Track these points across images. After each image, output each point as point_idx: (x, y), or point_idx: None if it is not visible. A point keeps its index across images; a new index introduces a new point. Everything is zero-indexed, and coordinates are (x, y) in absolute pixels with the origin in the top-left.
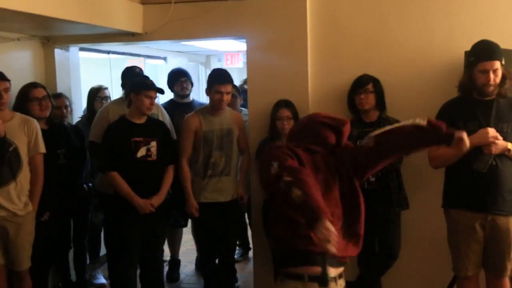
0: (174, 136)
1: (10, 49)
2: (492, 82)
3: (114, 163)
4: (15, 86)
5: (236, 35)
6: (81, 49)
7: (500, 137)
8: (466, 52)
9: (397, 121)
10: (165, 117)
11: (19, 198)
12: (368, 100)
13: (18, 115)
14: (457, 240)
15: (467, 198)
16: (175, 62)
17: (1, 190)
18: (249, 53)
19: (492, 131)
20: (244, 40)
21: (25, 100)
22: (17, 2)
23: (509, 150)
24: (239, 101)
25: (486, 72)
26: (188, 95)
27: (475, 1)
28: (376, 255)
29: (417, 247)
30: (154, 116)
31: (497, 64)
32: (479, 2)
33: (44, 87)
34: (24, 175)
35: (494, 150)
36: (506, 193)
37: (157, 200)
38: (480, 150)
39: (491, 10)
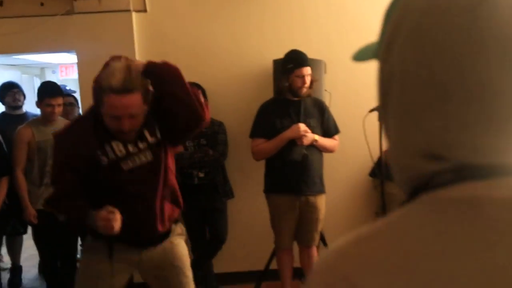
0: (5, 148)
1: None
2: (306, 85)
3: None
4: None
5: (66, 49)
6: None
7: (309, 131)
8: (274, 61)
9: (221, 123)
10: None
11: None
12: None
13: None
14: (277, 220)
15: (284, 184)
16: (7, 76)
17: None
18: (80, 65)
19: (302, 126)
20: (74, 54)
21: None
22: None
23: (316, 140)
24: (77, 109)
25: (302, 76)
26: (21, 106)
27: (283, 17)
28: (207, 241)
29: (243, 229)
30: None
31: (310, 70)
32: (286, 19)
33: None
34: None
35: (305, 141)
36: (316, 177)
37: None
38: (293, 142)
39: (295, 27)
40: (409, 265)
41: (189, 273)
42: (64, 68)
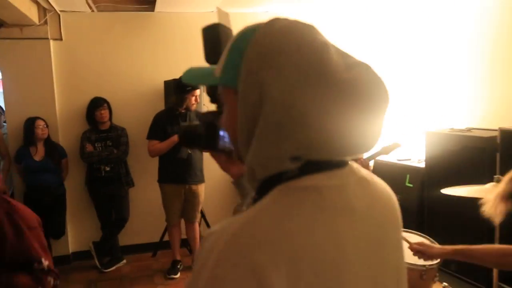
0: None
1: None
2: (198, 101)
3: None
4: None
5: None
6: None
7: None
8: (165, 81)
9: (123, 128)
10: None
11: None
12: (105, 114)
13: None
14: (168, 203)
15: (173, 175)
16: None
17: None
18: (4, 81)
19: None
20: None
21: None
22: None
23: None
24: (3, 118)
25: (195, 96)
26: None
27: (171, 47)
28: (113, 220)
29: (142, 210)
30: None
31: (199, 91)
32: (174, 49)
33: None
34: None
35: None
36: (197, 170)
37: None
38: (180, 144)
39: (180, 55)
40: (292, 239)
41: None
42: None
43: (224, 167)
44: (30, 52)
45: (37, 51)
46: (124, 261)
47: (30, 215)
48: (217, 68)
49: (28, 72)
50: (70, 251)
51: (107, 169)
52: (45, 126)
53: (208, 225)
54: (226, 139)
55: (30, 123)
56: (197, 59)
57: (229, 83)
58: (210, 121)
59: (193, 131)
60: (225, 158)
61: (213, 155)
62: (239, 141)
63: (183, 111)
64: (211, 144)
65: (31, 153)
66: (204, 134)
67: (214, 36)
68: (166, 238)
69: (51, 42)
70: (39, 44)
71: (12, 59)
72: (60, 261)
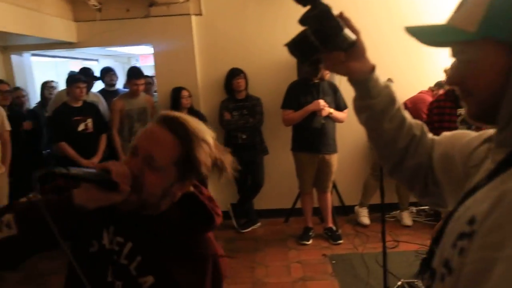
0: (107, 114)
1: None
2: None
3: (62, 137)
4: None
5: (145, 43)
6: (34, 54)
7: (326, 105)
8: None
9: (258, 98)
10: (104, 104)
11: None
12: (241, 83)
13: None
14: (301, 171)
15: (307, 145)
16: (105, 63)
17: None
18: (155, 55)
19: (322, 101)
20: (151, 46)
21: None
22: None
23: (331, 113)
24: (153, 88)
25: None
26: (115, 85)
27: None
28: (249, 185)
29: (275, 178)
30: (96, 103)
31: None
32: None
33: (7, 84)
34: None
35: (324, 113)
36: (330, 140)
37: (96, 159)
38: (314, 114)
39: None
40: None
41: None
42: (144, 57)
43: (345, 68)
44: (175, 27)
45: (180, 27)
46: (259, 223)
47: None
48: (466, 21)
49: (173, 46)
50: None
51: (244, 137)
52: (189, 96)
53: (339, 196)
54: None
55: (176, 93)
56: None
57: (499, 35)
58: (322, 8)
59: (303, 35)
60: (344, 55)
61: (330, 59)
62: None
63: (316, 81)
64: (334, 32)
65: None
66: (320, 27)
67: None
68: (298, 205)
69: (193, 17)
70: (182, 20)
71: (161, 35)
72: None
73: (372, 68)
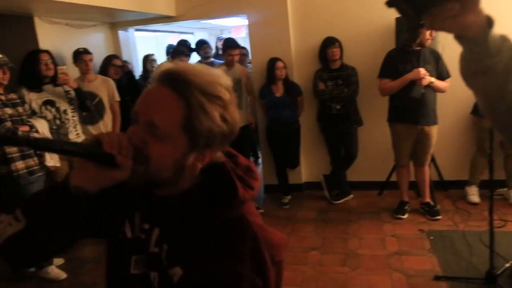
0: None
1: (89, 32)
2: (432, 36)
3: None
4: (97, 58)
5: (240, 14)
6: (136, 30)
7: (427, 74)
8: (396, 18)
9: (353, 68)
10: None
11: (106, 131)
12: (336, 52)
13: (99, 76)
14: (398, 143)
15: (405, 115)
16: (200, 35)
17: (94, 127)
18: (250, 26)
19: (422, 70)
20: (245, 17)
21: (107, 65)
22: (94, 0)
23: (432, 82)
24: (248, 58)
25: (428, 29)
26: (210, 57)
27: None
28: (342, 157)
29: (370, 149)
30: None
31: None
32: None
33: (120, 59)
34: (108, 116)
35: (424, 82)
36: (430, 111)
37: None
38: (414, 82)
39: None
40: None
41: None
42: (236, 29)
43: (458, 22)
44: None
45: None
46: (352, 195)
47: None
48: None
49: (267, 16)
50: (303, 180)
51: (338, 107)
52: (283, 67)
53: (438, 170)
54: None
55: (271, 64)
56: None
57: None
58: None
59: None
60: (458, 7)
61: (441, 13)
62: None
63: (416, 48)
64: None
65: (273, 90)
66: None
67: None
68: (392, 178)
69: None
70: None
71: (255, 6)
72: (294, 188)
73: (488, 20)
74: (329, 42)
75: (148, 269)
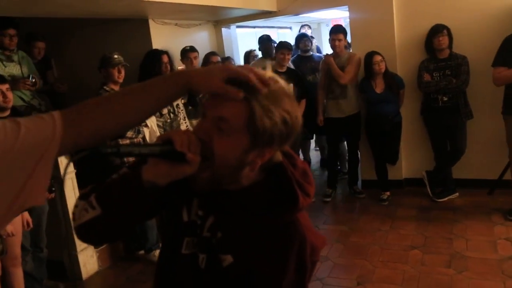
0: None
1: (195, 31)
2: None
3: None
4: (201, 55)
5: (342, 5)
6: (238, 27)
7: None
8: None
9: (464, 57)
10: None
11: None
12: (444, 41)
13: None
14: None
15: None
16: (297, 30)
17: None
18: (351, 16)
19: None
20: (346, 8)
21: (207, 63)
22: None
23: None
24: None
25: None
26: (309, 50)
27: None
28: (448, 152)
29: (480, 144)
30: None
31: None
32: None
33: (218, 55)
34: None
35: None
36: None
37: None
38: None
39: None
40: None
41: None
42: (335, 21)
43: None
44: None
45: None
46: (457, 194)
47: None
48: None
49: (370, 4)
50: (403, 176)
51: (445, 99)
52: (381, 60)
53: None
54: None
55: (368, 58)
56: None
57: None
58: None
59: None
60: None
61: None
62: None
63: None
64: None
65: (373, 86)
66: None
67: None
68: (506, 176)
69: None
70: None
71: None
72: (393, 184)
73: None
74: (437, 30)
75: (198, 251)
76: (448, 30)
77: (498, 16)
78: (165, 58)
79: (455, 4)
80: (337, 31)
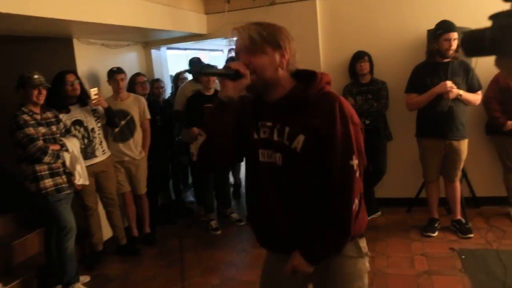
0: None
1: (123, 52)
2: (452, 47)
3: (194, 122)
4: (128, 76)
5: None
6: (168, 48)
7: (454, 87)
8: (428, 30)
9: (384, 82)
10: None
11: (136, 148)
12: (365, 67)
13: (132, 94)
14: (426, 158)
15: (433, 130)
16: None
17: (124, 144)
18: None
19: (449, 83)
20: None
21: (133, 84)
22: (126, 20)
23: (460, 95)
24: None
25: (449, 40)
26: None
27: None
28: (371, 173)
29: (399, 164)
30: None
31: (456, 35)
32: None
33: (144, 75)
34: (138, 134)
35: (451, 95)
36: (459, 125)
37: None
38: (441, 96)
39: (446, 1)
40: None
41: None
42: None
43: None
44: (300, 13)
45: (305, 12)
46: (379, 212)
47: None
48: None
49: (297, 32)
50: None
51: (367, 122)
52: None
53: (469, 185)
54: None
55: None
56: (465, 1)
57: None
58: (510, 21)
59: (480, 35)
60: None
61: (499, 62)
62: None
63: (445, 60)
64: (503, 48)
65: None
66: (499, 38)
67: None
68: (422, 194)
69: (317, 1)
70: (307, 5)
71: (285, 22)
72: None
73: None
74: (359, 56)
75: (274, 151)
76: (369, 56)
77: (412, 46)
78: (70, 77)
79: (376, 33)
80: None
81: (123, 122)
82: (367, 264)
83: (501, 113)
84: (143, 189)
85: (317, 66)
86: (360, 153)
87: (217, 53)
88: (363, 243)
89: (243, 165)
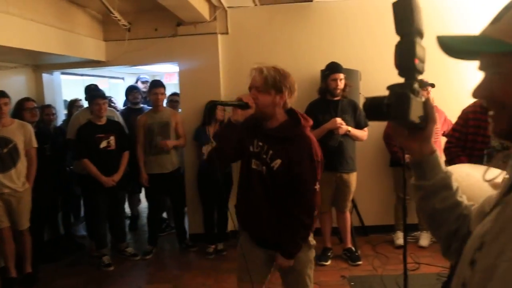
0: (127, 131)
1: (10, 74)
2: (339, 86)
3: (85, 153)
4: (14, 101)
5: (171, 61)
6: (63, 73)
7: (344, 123)
8: (321, 70)
9: None
10: (120, 118)
11: (18, 179)
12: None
13: (16, 121)
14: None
15: (324, 164)
16: (130, 81)
17: (5, 175)
18: (180, 73)
19: (339, 119)
20: (177, 64)
21: (21, 110)
22: (13, 41)
23: (349, 131)
24: (178, 104)
25: (335, 80)
26: (139, 103)
27: (327, 38)
28: None
29: None
30: (112, 118)
31: (342, 76)
32: (330, 39)
33: (34, 101)
34: (22, 163)
35: (341, 131)
36: (348, 158)
37: (117, 176)
38: (332, 132)
39: (337, 45)
40: None
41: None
42: (169, 75)
43: (404, 143)
44: (202, 46)
45: (207, 45)
46: None
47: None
48: (506, 33)
49: (199, 64)
50: (229, 229)
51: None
52: (224, 109)
53: (359, 215)
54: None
55: (213, 107)
56: (354, 45)
57: None
58: (402, 91)
59: (379, 101)
60: (407, 133)
61: (395, 129)
62: None
63: (335, 98)
64: (400, 115)
65: (207, 133)
66: (393, 104)
67: (407, 5)
68: (316, 225)
69: (219, 36)
70: (209, 39)
71: (187, 54)
72: (222, 237)
73: (432, 152)
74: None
75: (261, 164)
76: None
77: (306, 83)
78: None
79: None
80: (157, 85)
81: (5, 150)
82: (314, 254)
83: (399, 148)
84: (25, 224)
85: (218, 98)
86: (319, 180)
87: (117, 81)
88: (311, 238)
89: (142, 196)
